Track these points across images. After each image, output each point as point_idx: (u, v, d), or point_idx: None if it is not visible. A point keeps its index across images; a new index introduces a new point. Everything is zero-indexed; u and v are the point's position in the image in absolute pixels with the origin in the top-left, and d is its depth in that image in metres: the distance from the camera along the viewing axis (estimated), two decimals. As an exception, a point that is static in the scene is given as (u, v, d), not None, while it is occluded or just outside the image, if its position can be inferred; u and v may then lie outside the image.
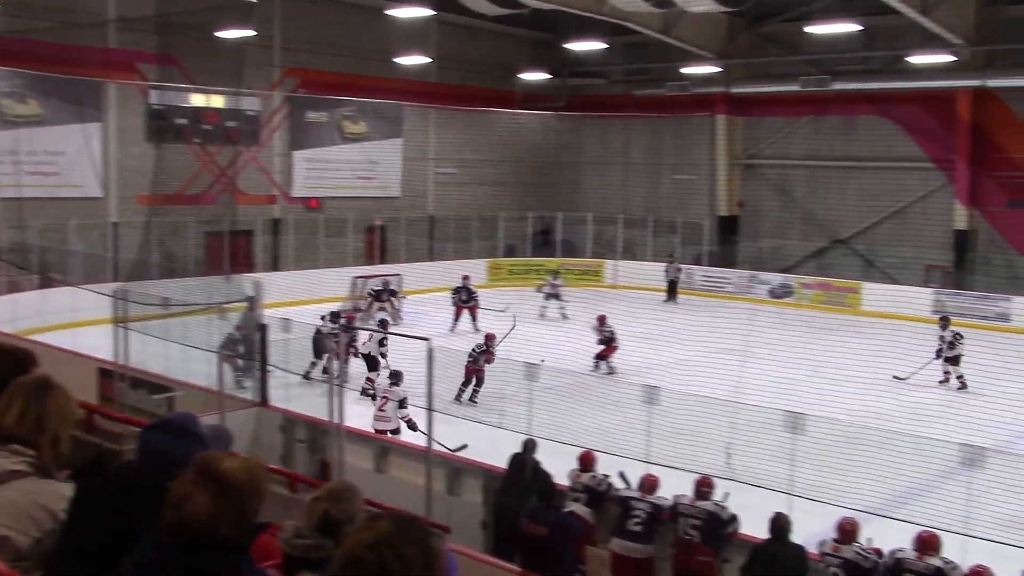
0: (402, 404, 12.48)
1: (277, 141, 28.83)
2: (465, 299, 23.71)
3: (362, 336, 16.90)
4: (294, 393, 11.68)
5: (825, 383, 15.78)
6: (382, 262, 29.47)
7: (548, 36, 33.39)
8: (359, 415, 12.32)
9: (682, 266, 29.19)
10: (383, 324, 20.20)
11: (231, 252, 26.71)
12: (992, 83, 26.13)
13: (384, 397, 12.78)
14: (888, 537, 7.59)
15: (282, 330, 11.87)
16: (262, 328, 12.38)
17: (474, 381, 16.31)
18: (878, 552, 7.65)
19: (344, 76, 29.26)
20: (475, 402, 16.09)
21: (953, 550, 7.40)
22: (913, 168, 28.76)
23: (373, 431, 12.29)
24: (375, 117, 30.89)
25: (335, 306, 24.55)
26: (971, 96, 26.92)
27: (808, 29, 25.63)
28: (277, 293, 19.34)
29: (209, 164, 26.65)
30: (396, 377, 13.02)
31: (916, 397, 16.10)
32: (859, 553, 7.60)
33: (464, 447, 11.58)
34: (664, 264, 29.15)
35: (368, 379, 16.19)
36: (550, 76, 33.46)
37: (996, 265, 26.84)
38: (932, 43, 25.66)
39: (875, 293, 26.00)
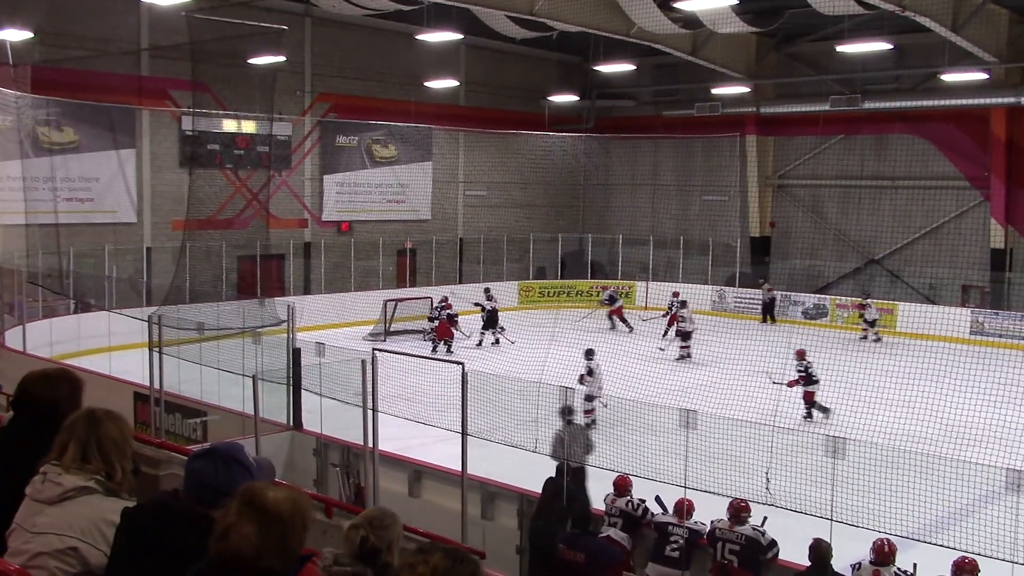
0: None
1: (308, 165, 29.03)
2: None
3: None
4: (328, 417, 11.66)
5: (861, 404, 15.60)
6: (412, 285, 29.52)
7: (576, 58, 33.44)
8: (393, 438, 12.29)
9: (774, 289, 28.89)
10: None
11: (263, 276, 26.87)
12: (1027, 100, 25.82)
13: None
14: (930, 563, 7.44)
15: (316, 354, 11.87)
16: (295, 352, 12.42)
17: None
18: None
19: (374, 100, 29.48)
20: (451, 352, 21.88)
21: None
22: (947, 187, 28.46)
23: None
24: (405, 141, 31.03)
25: (367, 329, 24.67)
26: (1006, 113, 26.63)
27: (839, 48, 25.38)
28: (308, 317, 19.40)
29: (241, 189, 26.88)
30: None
31: (956, 419, 15.83)
32: (898, 576, 7.47)
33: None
34: (759, 289, 29.04)
35: None
36: (578, 98, 33.45)
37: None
38: (964, 61, 25.44)
39: (911, 313, 25.64)
